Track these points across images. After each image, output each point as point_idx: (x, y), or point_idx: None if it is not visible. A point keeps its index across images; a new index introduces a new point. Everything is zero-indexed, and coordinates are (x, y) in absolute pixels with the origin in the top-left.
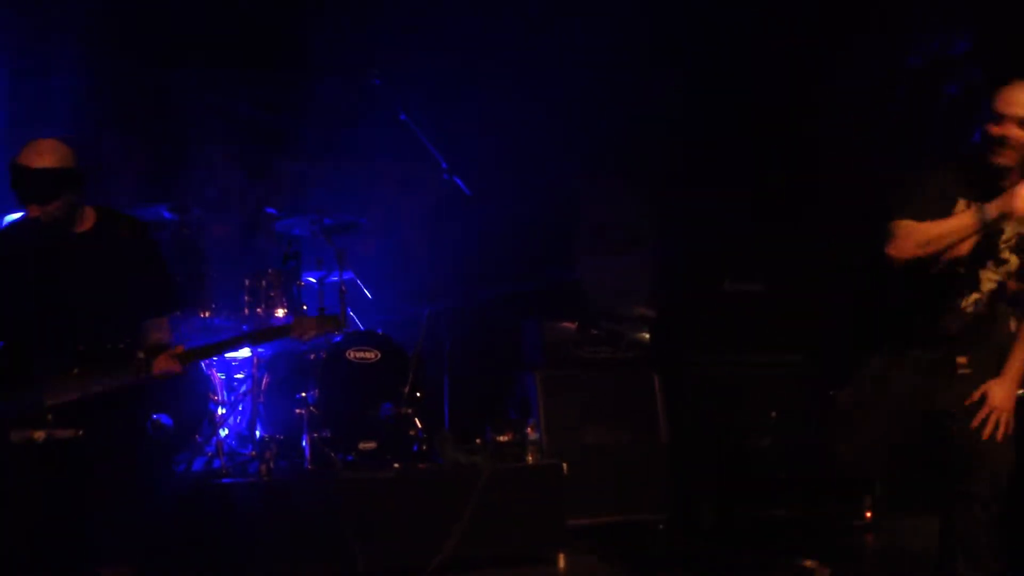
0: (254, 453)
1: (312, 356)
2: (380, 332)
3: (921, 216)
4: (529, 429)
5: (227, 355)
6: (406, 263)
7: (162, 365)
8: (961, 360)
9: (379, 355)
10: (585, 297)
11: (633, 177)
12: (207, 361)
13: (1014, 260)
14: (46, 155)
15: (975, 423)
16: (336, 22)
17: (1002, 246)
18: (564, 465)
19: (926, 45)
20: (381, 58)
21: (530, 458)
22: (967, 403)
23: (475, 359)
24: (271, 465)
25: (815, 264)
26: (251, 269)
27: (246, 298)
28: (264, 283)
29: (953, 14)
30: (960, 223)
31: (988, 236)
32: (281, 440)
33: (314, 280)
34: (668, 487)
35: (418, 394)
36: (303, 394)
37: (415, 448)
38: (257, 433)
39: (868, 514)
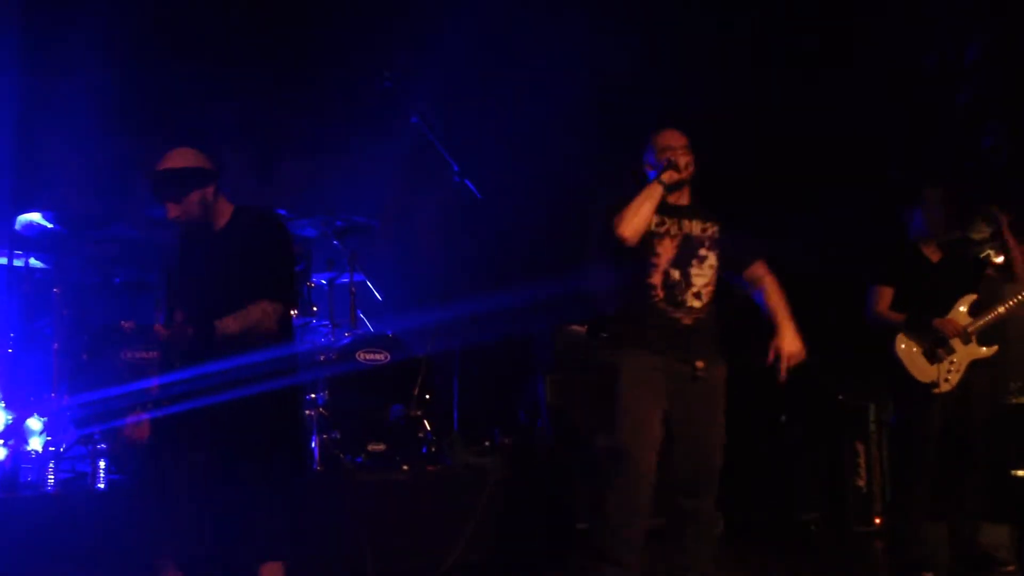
0: None
1: (322, 357)
2: (390, 334)
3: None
4: (538, 432)
5: None
6: (417, 265)
7: (175, 331)
8: (700, 364)
9: (389, 357)
10: (595, 302)
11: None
12: None
13: (711, 255)
14: (173, 158)
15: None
16: (349, 24)
17: (696, 245)
18: (573, 468)
19: (937, 54)
20: (393, 61)
21: (539, 461)
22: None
23: (485, 362)
24: None
25: (822, 268)
26: None
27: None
28: None
29: (964, 23)
30: (648, 193)
31: (682, 242)
32: None
33: (324, 281)
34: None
35: (427, 396)
36: (312, 395)
37: (424, 450)
38: None
39: (877, 520)
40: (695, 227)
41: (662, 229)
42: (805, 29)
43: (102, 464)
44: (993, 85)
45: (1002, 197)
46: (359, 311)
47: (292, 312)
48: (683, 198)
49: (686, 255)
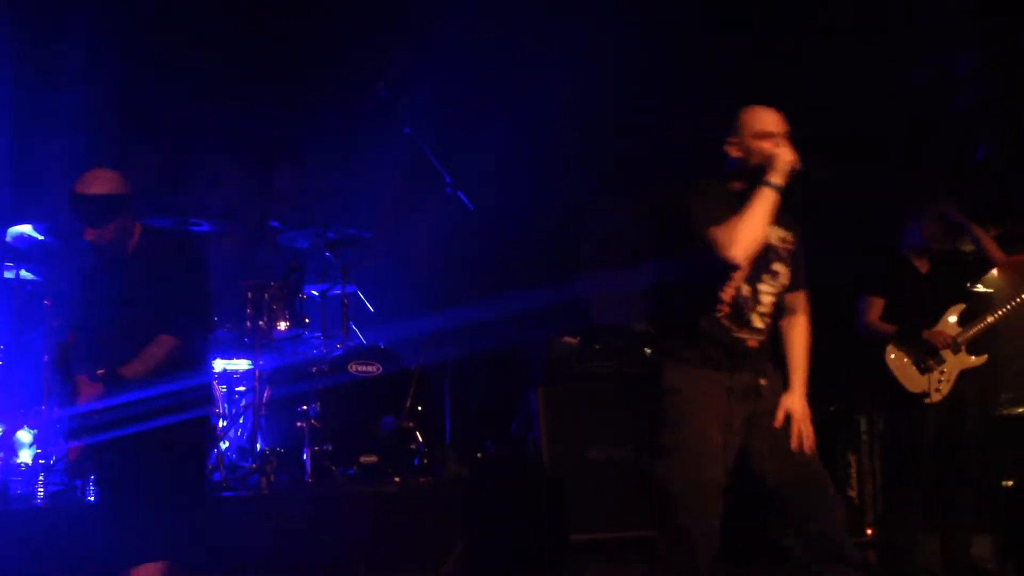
0: (255, 466)
1: (314, 369)
2: (382, 346)
3: (721, 221)
4: (531, 444)
5: (228, 368)
6: (409, 277)
7: (84, 390)
8: (763, 382)
9: (381, 369)
10: (589, 312)
11: (636, 193)
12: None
13: (784, 271)
14: (97, 183)
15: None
16: (343, 35)
17: (772, 258)
18: (566, 480)
19: (932, 62)
20: (387, 73)
21: (531, 473)
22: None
23: (477, 373)
24: (272, 478)
25: (817, 279)
26: (254, 282)
27: (248, 310)
28: (267, 296)
29: (958, 32)
30: (764, 203)
31: (760, 253)
32: (282, 453)
33: (316, 293)
34: None
35: (420, 408)
36: (304, 407)
37: (416, 462)
38: (258, 446)
39: (869, 531)
40: (774, 235)
41: None
42: (800, 37)
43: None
44: (988, 93)
45: (997, 205)
46: (351, 323)
47: (207, 336)
48: None
49: (760, 269)
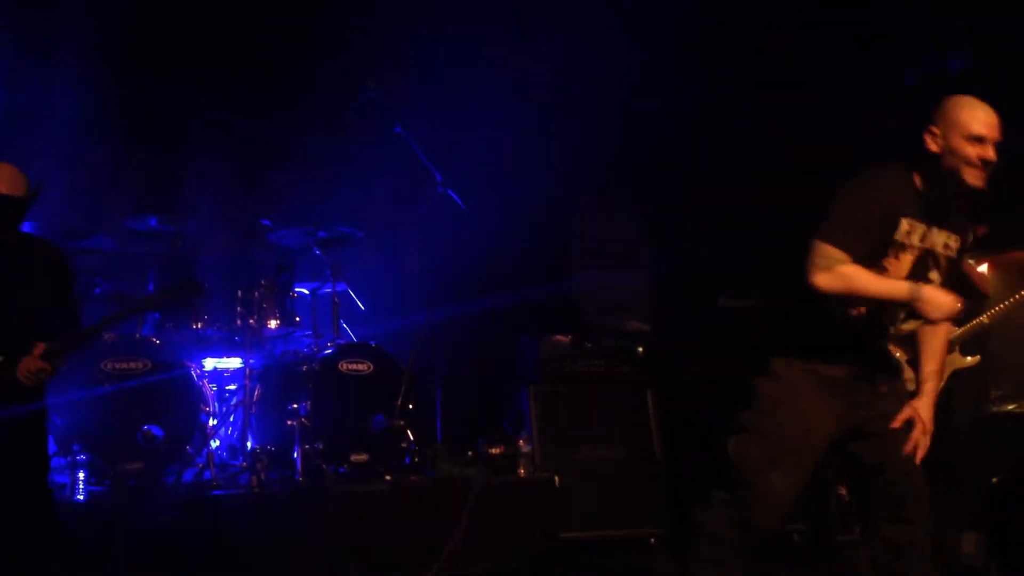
0: (245, 465)
1: (304, 367)
2: (373, 344)
3: (854, 247)
4: (522, 442)
5: (219, 367)
6: (400, 275)
7: (25, 366)
8: (884, 389)
9: (372, 367)
10: (580, 312)
11: (629, 193)
12: (198, 372)
13: (938, 279)
14: (11, 182)
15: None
16: (333, 35)
17: (930, 265)
18: (557, 479)
19: (921, 63)
20: (377, 72)
21: (523, 472)
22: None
23: (468, 372)
24: (262, 477)
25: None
26: (244, 280)
27: (239, 309)
28: (257, 294)
29: (947, 33)
30: (888, 292)
31: (920, 259)
32: (272, 452)
33: (307, 291)
34: (662, 502)
35: (411, 406)
36: (295, 406)
37: (407, 460)
38: (248, 445)
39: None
40: (940, 240)
41: (906, 241)
42: (787, 40)
43: (81, 475)
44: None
45: (984, 208)
46: (342, 321)
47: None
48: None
49: (916, 276)
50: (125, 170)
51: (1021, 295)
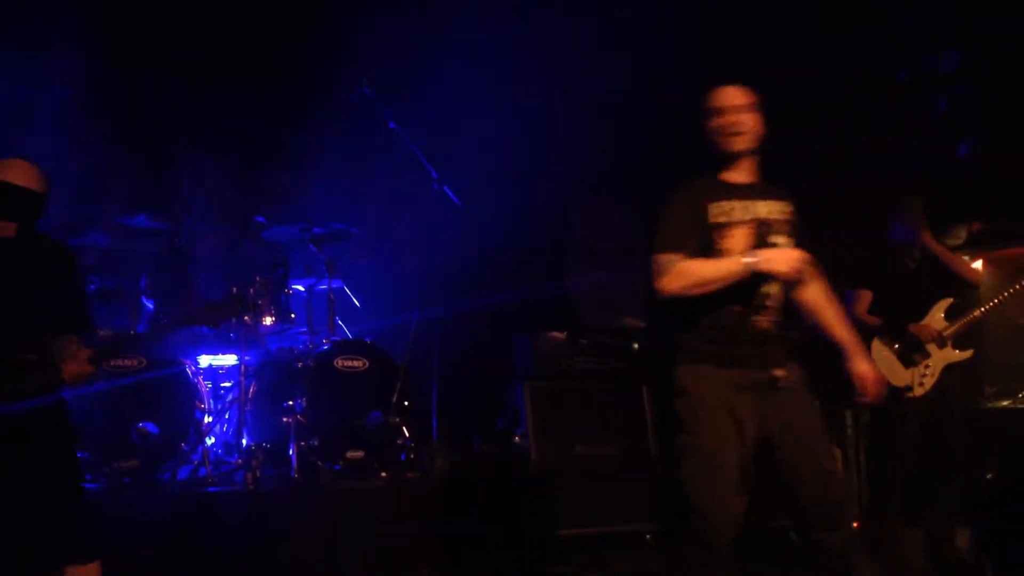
0: (240, 462)
1: (300, 364)
2: (368, 341)
3: (683, 245)
4: (517, 439)
5: (214, 363)
6: (396, 272)
7: (73, 368)
8: (779, 373)
9: (367, 364)
10: (576, 309)
11: (626, 191)
12: (194, 369)
13: (786, 242)
14: (20, 172)
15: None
16: (327, 33)
17: (766, 232)
18: (553, 476)
19: (915, 60)
20: (372, 69)
21: (518, 469)
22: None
23: (464, 369)
24: (257, 474)
25: None
26: (240, 277)
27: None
28: (252, 291)
29: (941, 30)
30: (726, 271)
31: (752, 229)
32: (268, 449)
33: (302, 288)
34: (657, 498)
35: (406, 403)
36: (290, 402)
37: (403, 457)
38: (244, 441)
39: (855, 524)
40: (766, 209)
41: (725, 219)
42: (787, 36)
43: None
44: (970, 92)
45: (978, 204)
46: (337, 318)
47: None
48: (747, 174)
49: (758, 244)
50: (119, 167)
51: (1014, 290)
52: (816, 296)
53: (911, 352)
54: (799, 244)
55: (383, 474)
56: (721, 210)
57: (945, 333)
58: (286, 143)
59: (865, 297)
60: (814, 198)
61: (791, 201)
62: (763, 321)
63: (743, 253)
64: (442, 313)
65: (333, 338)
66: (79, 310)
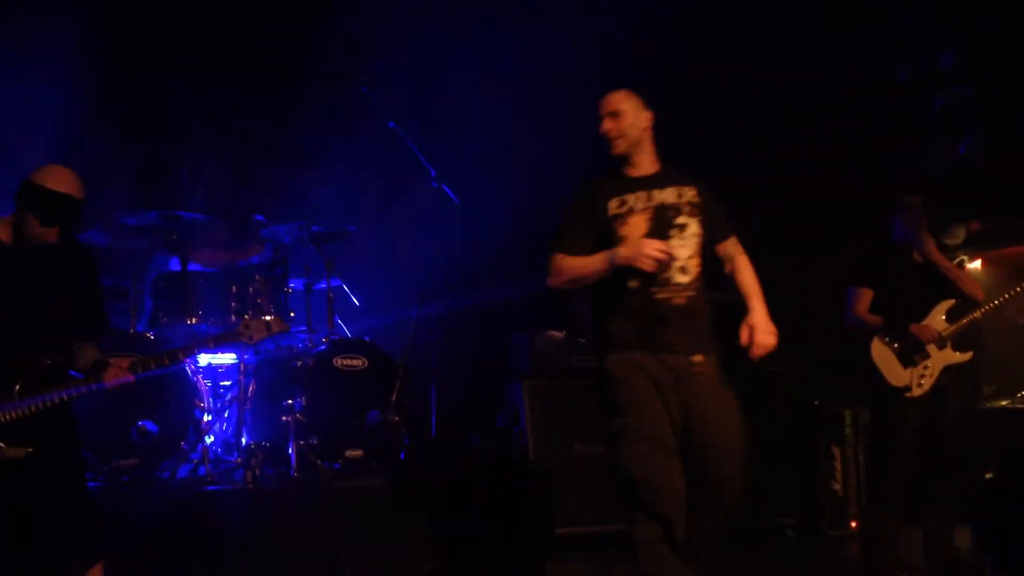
0: (240, 460)
1: (299, 363)
2: (367, 340)
3: (571, 244)
4: (516, 437)
5: (213, 361)
6: (394, 271)
7: (114, 375)
8: (697, 359)
9: (366, 363)
10: (574, 307)
11: None
12: (193, 367)
13: (693, 222)
14: (73, 185)
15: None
16: (326, 31)
17: (671, 214)
18: (552, 474)
19: (914, 59)
20: (371, 67)
21: (517, 467)
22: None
23: (463, 367)
24: (257, 472)
25: (801, 275)
26: (238, 275)
27: (233, 304)
28: (251, 289)
29: (941, 29)
30: (594, 266)
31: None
32: (267, 447)
33: (301, 287)
34: None
35: (405, 402)
36: (290, 401)
37: (402, 456)
38: (243, 440)
39: (853, 524)
40: (668, 195)
41: (624, 209)
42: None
43: None
44: (970, 90)
45: (978, 202)
46: (336, 316)
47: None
48: (646, 166)
49: (662, 226)
50: (119, 165)
51: (1015, 292)
52: (740, 269)
53: (911, 352)
54: (708, 223)
55: (382, 473)
56: (619, 202)
57: (945, 334)
58: (285, 142)
59: (866, 295)
60: (812, 196)
61: (697, 185)
62: (679, 298)
63: (639, 240)
64: (441, 312)
65: (332, 337)
66: (98, 314)
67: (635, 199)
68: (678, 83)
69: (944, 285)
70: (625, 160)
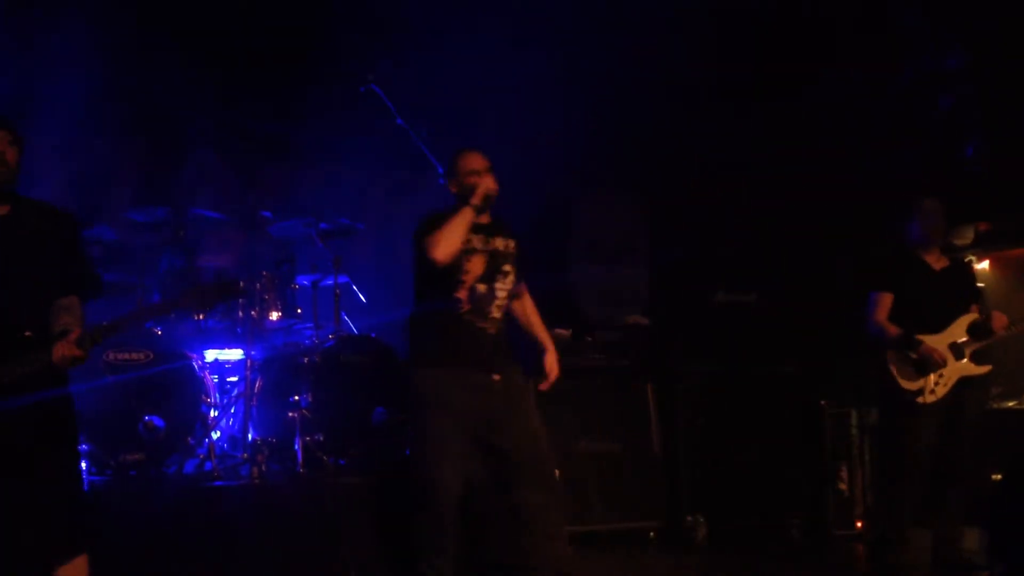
0: (246, 456)
1: (306, 359)
2: (374, 336)
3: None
4: None
5: (220, 358)
6: (401, 268)
7: (60, 351)
8: (496, 377)
9: (373, 360)
10: (579, 305)
11: (628, 186)
12: (200, 363)
13: (512, 270)
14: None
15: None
16: (333, 28)
17: (501, 262)
18: (556, 472)
19: (919, 60)
20: (378, 64)
21: None
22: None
23: None
24: (263, 468)
25: (808, 276)
26: (246, 272)
27: (240, 300)
28: (258, 286)
29: (945, 30)
30: (462, 219)
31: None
32: (273, 443)
33: (308, 283)
34: (660, 496)
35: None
36: (296, 397)
37: (408, 452)
38: (249, 436)
39: (859, 524)
40: (499, 243)
41: (471, 246)
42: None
43: (82, 465)
44: (974, 92)
45: (984, 204)
46: (343, 313)
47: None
48: (486, 216)
49: (492, 270)
50: (126, 161)
51: None
52: (527, 306)
53: (927, 364)
54: (519, 272)
55: (388, 469)
56: (469, 239)
57: (966, 348)
58: (292, 138)
59: (886, 300)
60: (817, 197)
61: (516, 238)
62: (489, 327)
63: (462, 209)
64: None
65: (339, 333)
66: (81, 270)
67: (478, 240)
68: (678, 83)
69: (967, 292)
70: (483, 210)
